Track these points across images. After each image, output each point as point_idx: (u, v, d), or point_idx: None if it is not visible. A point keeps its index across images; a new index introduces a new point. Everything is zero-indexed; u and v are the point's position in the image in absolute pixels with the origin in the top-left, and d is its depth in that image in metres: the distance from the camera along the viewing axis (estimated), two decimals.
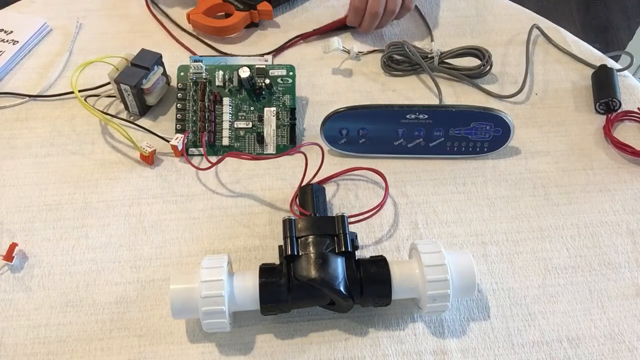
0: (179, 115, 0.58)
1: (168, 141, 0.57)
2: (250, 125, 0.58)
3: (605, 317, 0.47)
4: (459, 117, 0.55)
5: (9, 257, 0.49)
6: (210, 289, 0.42)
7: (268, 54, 0.66)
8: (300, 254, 0.44)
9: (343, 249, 0.44)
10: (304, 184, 0.54)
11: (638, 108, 0.61)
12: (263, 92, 0.59)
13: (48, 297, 0.48)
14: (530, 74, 0.65)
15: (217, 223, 0.53)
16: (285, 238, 0.45)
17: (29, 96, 0.63)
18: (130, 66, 0.58)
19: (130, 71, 0.58)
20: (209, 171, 0.57)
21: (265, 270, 0.44)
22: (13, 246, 0.50)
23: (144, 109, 0.61)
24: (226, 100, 0.59)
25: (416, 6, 0.72)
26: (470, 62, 0.65)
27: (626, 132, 0.60)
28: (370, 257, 0.46)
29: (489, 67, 0.63)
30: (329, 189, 0.55)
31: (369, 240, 0.52)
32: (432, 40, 0.68)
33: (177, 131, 0.58)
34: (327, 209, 0.52)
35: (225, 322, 0.42)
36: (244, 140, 0.58)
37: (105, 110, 0.61)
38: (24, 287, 0.49)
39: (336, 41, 0.66)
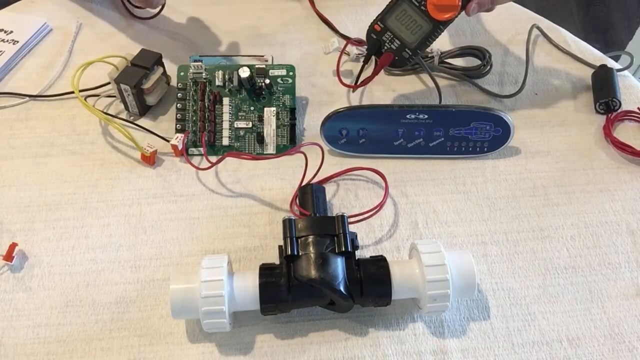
0: (179, 115, 0.58)
1: (168, 141, 0.57)
2: (250, 125, 0.58)
3: (605, 317, 0.47)
4: (459, 117, 0.55)
5: (9, 257, 0.49)
6: (210, 289, 0.42)
7: None
8: (300, 254, 0.44)
9: (343, 249, 0.44)
10: (304, 184, 0.54)
11: (638, 108, 0.61)
12: (263, 92, 0.59)
13: (48, 297, 0.48)
14: (530, 74, 0.65)
15: (217, 223, 0.53)
16: (285, 238, 0.45)
17: (29, 96, 0.63)
18: (130, 66, 0.58)
19: (130, 71, 0.58)
20: (209, 171, 0.57)
21: (265, 270, 0.44)
22: (13, 246, 0.50)
23: (144, 109, 0.61)
24: (226, 100, 0.59)
25: None
26: (470, 62, 0.65)
27: (626, 132, 0.60)
28: (370, 257, 0.46)
29: (489, 67, 0.63)
30: (329, 189, 0.55)
31: (369, 240, 0.52)
32: None
33: (177, 131, 0.58)
34: (327, 209, 0.52)
35: (225, 322, 0.42)
36: (244, 140, 0.58)
37: (105, 110, 0.61)
38: (24, 287, 0.49)
39: (336, 41, 0.66)
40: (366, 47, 0.58)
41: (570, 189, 0.55)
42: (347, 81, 0.63)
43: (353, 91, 0.64)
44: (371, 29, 0.56)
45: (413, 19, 0.54)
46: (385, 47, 0.56)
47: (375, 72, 0.58)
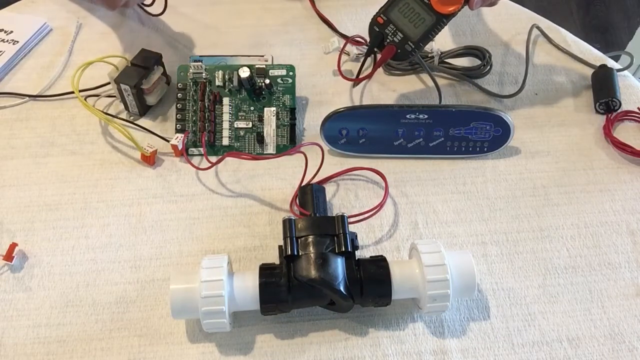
0: (179, 115, 0.58)
1: (168, 141, 0.57)
2: (250, 125, 0.58)
3: (605, 317, 0.47)
4: (459, 117, 0.55)
5: (9, 257, 0.49)
6: (210, 289, 0.42)
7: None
8: (300, 254, 0.44)
9: (343, 249, 0.44)
10: (304, 184, 0.54)
11: (638, 108, 0.61)
12: (263, 92, 0.59)
13: (48, 297, 0.48)
14: (530, 74, 0.65)
15: (217, 223, 0.53)
16: (285, 238, 0.45)
17: (29, 96, 0.63)
18: (130, 66, 0.58)
19: (130, 71, 0.58)
20: (209, 171, 0.57)
21: (265, 270, 0.44)
22: (13, 246, 0.50)
23: (144, 109, 0.61)
24: (226, 100, 0.59)
25: None
26: (470, 62, 0.65)
27: (626, 132, 0.60)
28: (370, 257, 0.46)
29: (489, 67, 0.63)
30: (329, 189, 0.55)
31: (369, 240, 0.52)
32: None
33: (177, 131, 0.58)
34: (327, 209, 0.52)
35: (225, 322, 0.42)
36: (244, 140, 0.58)
37: (105, 110, 0.61)
38: (24, 287, 0.49)
39: (336, 41, 0.66)
40: (368, 41, 0.58)
41: (570, 189, 0.55)
42: (348, 81, 0.62)
43: (354, 85, 0.64)
44: (374, 22, 0.56)
45: (416, 12, 0.54)
46: (388, 40, 0.56)
47: (377, 65, 0.58)
